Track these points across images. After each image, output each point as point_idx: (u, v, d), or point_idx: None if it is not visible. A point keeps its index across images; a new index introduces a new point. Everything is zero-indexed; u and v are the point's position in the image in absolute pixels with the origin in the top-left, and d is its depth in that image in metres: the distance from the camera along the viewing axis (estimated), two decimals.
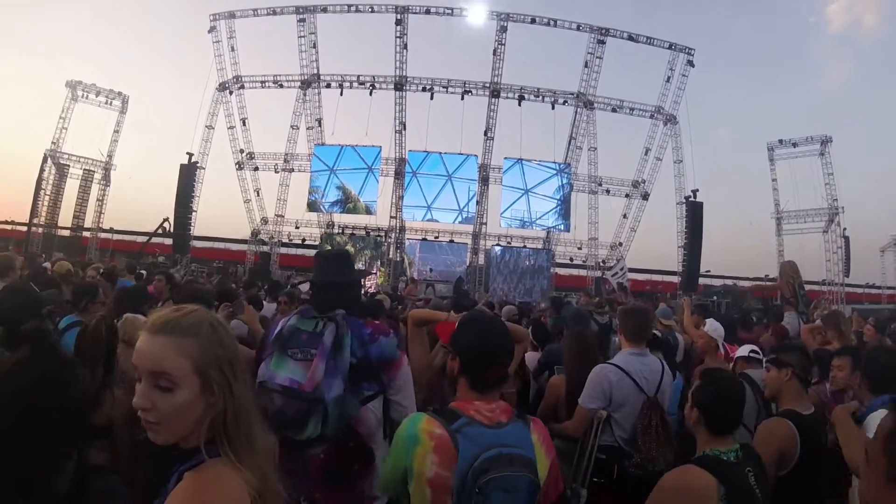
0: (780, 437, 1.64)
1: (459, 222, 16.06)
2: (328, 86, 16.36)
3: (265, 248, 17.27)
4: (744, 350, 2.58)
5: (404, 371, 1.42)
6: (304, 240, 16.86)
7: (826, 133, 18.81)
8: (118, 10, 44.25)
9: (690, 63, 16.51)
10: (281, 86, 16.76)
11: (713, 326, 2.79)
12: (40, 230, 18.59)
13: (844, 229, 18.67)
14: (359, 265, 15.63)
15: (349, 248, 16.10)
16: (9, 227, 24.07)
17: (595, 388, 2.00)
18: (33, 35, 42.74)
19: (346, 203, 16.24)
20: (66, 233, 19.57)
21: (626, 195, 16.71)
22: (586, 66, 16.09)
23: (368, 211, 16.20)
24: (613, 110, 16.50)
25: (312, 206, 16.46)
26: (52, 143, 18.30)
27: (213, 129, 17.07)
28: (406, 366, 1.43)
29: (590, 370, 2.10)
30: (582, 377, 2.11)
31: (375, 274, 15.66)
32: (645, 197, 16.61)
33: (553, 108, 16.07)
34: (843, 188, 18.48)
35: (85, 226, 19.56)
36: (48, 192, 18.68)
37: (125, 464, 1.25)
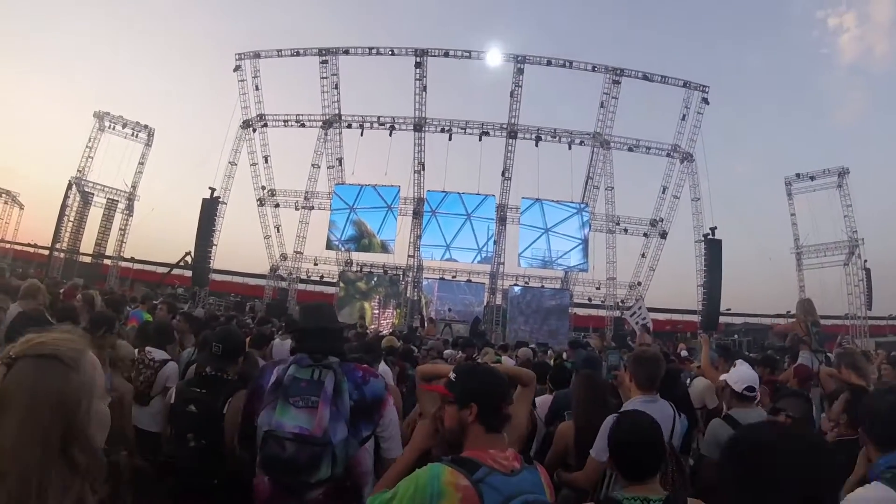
0: None
1: (478, 262, 16.16)
2: (349, 126, 16.74)
3: (283, 284, 17.47)
4: (737, 383, 2.31)
5: (391, 409, 1.53)
6: (322, 277, 17.06)
7: (843, 165, 18.71)
8: (147, 45, 46.18)
9: (705, 100, 16.62)
10: (303, 125, 17.17)
11: (739, 374, 2.38)
12: (62, 255, 18.97)
13: (865, 261, 18.39)
14: (373, 303, 15.65)
15: (361, 284, 16.24)
16: (31, 249, 24.62)
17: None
18: (63, 64, 44.53)
19: (361, 240, 16.41)
20: (88, 259, 19.93)
21: (644, 234, 16.70)
22: (602, 105, 16.29)
23: (384, 248, 16.36)
24: (630, 149, 16.62)
25: (331, 244, 16.67)
26: (78, 171, 18.80)
27: (236, 165, 17.49)
28: (391, 405, 1.53)
29: (600, 416, 2.03)
30: (592, 423, 2.04)
31: (389, 313, 15.68)
32: (663, 235, 16.57)
33: (570, 148, 16.24)
34: (863, 219, 18.27)
35: (106, 253, 19.93)
36: (72, 219, 19.13)
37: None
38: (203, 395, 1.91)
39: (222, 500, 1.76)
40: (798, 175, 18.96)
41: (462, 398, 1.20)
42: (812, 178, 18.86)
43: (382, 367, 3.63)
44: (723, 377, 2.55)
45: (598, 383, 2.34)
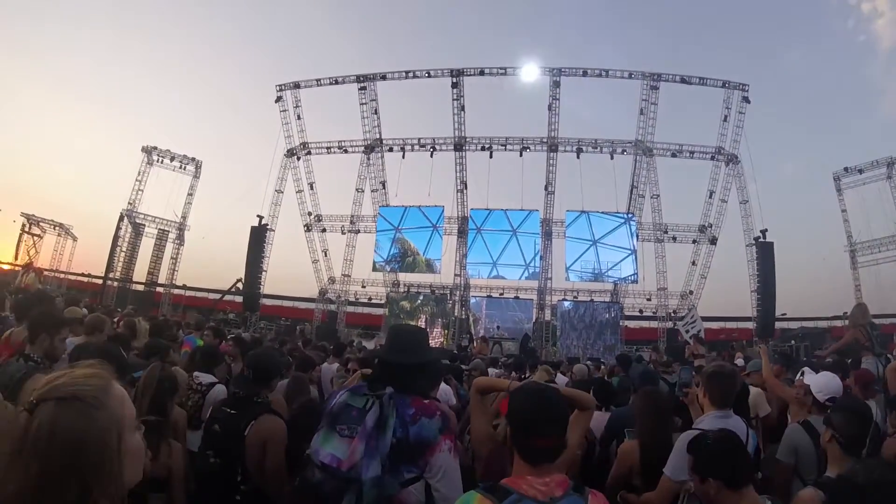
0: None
1: (526, 278, 16.18)
2: (391, 149, 17.13)
3: (332, 307, 17.94)
4: (821, 393, 2.23)
5: (443, 456, 1.35)
6: (370, 298, 17.44)
7: (892, 155, 17.97)
8: (192, 78, 48.16)
9: (746, 99, 16.27)
10: (346, 151, 17.66)
11: (826, 384, 2.26)
12: (115, 284, 19.96)
13: None
14: (420, 322, 15.53)
15: (405, 303, 16.41)
16: (85, 279, 25.92)
17: (686, 457, 1.80)
18: (113, 99, 46.83)
19: (405, 258, 16.64)
20: (140, 287, 20.90)
21: (694, 241, 16.42)
22: (642, 112, 16.16)
23: (430, 267, 16.55)
24: (673, 155, 16.40)
25: (376, 266, 17.05)
26: (129, 203, 19.79)
27: (283, 192, 18.10)
28: (447, 451, 1.37)
29: (665, 433, 1.99)
30: (658, 441, 1.99)
31: (436, 332, 15.75)
32: (713, 241, 16.27)
33: (612, 157, 16.16)
34: None
35: (158, 281, 20.85)
36: (124, 249, 20.12)
37: None
38: (229, 416, 1.95)
39: None
40: (846, 169, 18.33)
41: (507, 418, 1.19)
42: (861, 172, 18.20)
43: (443, 388, 3.45)
44: (806, 381, 2.43)
45: (662, 400, 2.26)
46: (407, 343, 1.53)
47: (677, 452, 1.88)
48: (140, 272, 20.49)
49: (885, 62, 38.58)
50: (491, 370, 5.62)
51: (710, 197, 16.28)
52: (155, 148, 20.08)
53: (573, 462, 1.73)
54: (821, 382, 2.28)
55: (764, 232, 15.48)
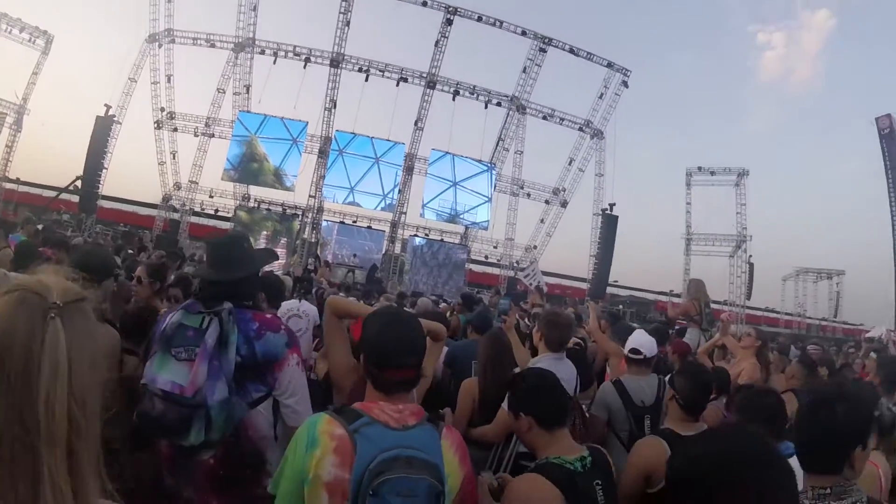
0: (647, 456, 1.66)
1: (382, 208, 16.03)
2: (262, 52, 15.83)
3: (175, 216, 16.47)
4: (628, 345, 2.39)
5: (291, 371, 1.32)
6: (217, 210, 16.22)
7: (744, 167, 20.42)
8: None
9: (625, 83, 17.35)
10: (213, 45, 16.01)
11: (640, 341, 2.40)
12: None
13: (750, 256, 20.32)
14: (261, 242, 14.84)
15: (243, 215, 15.32)
16: None
17: None
18: None
19: (251, 163, 15.23)
20: None
21: (546, 201, 17.36)
22: (524, 71, 16.55)
23: (278, 178, 15.43)
24: (544, 118, 17.07)
25: (227, 174, 15.83)
26: None
27: (136, 82, 16.06)
28: (294, 365, 1.33)
29: (504, 373, 2.05)
30: (497, 381, 2.05)
31: (281, 253, 15.18)
32: (563, 205, 17.32)
33: (486, 107, 16.40)
34: (753, 217, 20.01)
35: None
36: None
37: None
38: None
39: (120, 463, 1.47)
40: (700, 168, 20.44)
41: (360, 346, 1.13)
42: (712, 174, 20.35)
43: (307, 306, 3.33)
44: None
45: (503, 343, 2.34)
46: (226, 257, 1.40)
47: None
48: None
49: (761, 89, 44.30)
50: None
51: (570, 164, 17.27)
52: (5, 14, 16.82)
53: (424, 392, 1.62)
54: (644, 341, 2.40)
55: (612, 205, 16.80)
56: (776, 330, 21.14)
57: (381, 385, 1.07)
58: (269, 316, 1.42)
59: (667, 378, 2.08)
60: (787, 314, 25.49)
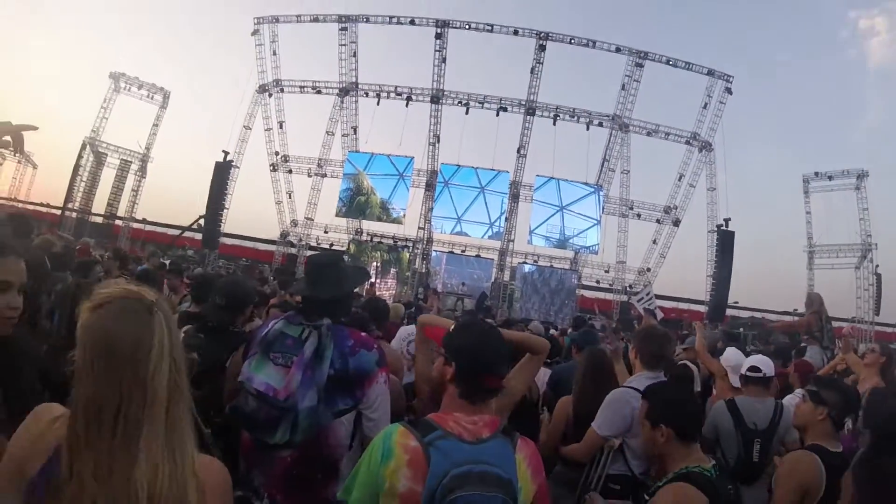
0: (805, 471, 1.56)
1: (489, 237, 16.05)
2: (366, 95, 16.62)
3: (293, 250, 17.53)
4: (740, 365, 2.35)
5: (379, 387, 1.38)
6: (332, 244, 17.05)
7: (863, 167, 18.41)
8: (165, 5, 45.69)
9: (728, 90, 16.32)
10: (319, 92, 17.06)
11: (728, 356, 2.60)
12: (74, 215, 19.16)
13: (877, 266, 18.19)
14: (370, 269, 15.12)
15: (375, 255, 16.09)
16: (43, 209, 24.83)
17: (615, 414, 1.87)
18: (80, 22, 44.30)
19: (357, 197, 15.85)
20: (100, 220, 20.12)
21: (657, 220, 16.54)
22: (623, 88, 16.04)
23: (385, 210, 15.89)
24: (648, 134, 16.39)
25: (340, 211, 16.64)
26: (93, 131, 18.88)
27: (251, 129, 17.47)
28: (382, 383, 1.39)
29: (603, 393, 2.00)
30: (593, 399, 2.01)
31: (391, 283, 15.55)
32: (676, 223, 16.42)
33: (588, 129, 16.03)
34: (878, 224, 18.01)
35: (118, 214, 20.09)
36: (84, 179, 19.27)
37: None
38: (207, 345, 1.80)
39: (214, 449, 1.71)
40: (816, 174, 18.67)
41: (448, 352, 1.13)
42: (830, 178, 18.57)
43: (409, 329, 3.41)
44: (723, 358, 2.64)
45: (604, 359, 2.28)
46: (323, 276, 1.49)
47: (606, 408, 1.91)
48: (100, 204, 19.69)
49: (871, 79, 39.74)
50: None
51: (679, 180, 16.39)
52: (123, 75, 19.08)
53: (512, 405, 1.67)
54: (762, 361, 2.31)
55: (727, 220, 15.70)
56: None
57: (472, 392, 1.07)
58: (363, 335, 1.48)
59: (802, 393, 1.88)
60: None
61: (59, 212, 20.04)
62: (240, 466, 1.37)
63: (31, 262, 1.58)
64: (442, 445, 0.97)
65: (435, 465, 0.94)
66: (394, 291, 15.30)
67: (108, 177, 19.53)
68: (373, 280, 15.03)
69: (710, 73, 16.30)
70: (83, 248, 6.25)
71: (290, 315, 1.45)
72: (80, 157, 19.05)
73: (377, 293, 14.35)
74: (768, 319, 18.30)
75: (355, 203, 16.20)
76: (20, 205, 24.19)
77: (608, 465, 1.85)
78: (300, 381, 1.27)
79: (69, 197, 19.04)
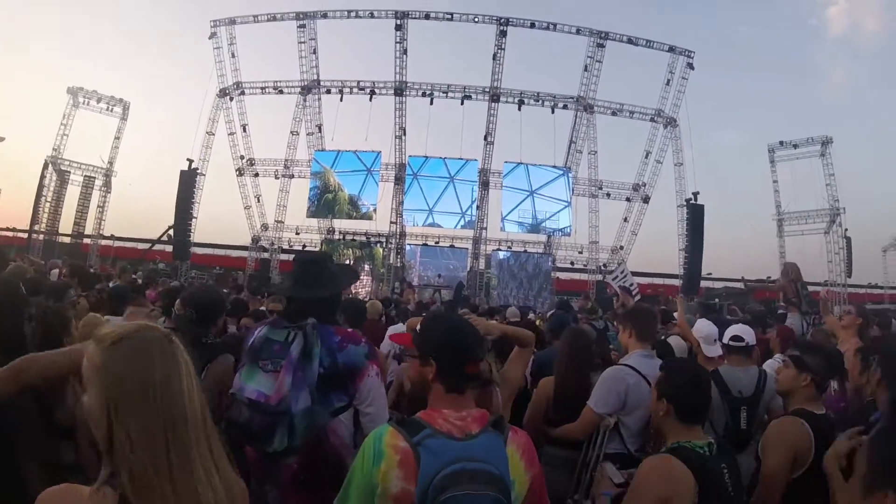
0: (794, 437, 1.56)
1: (462, 226, 16.02)
2: (328, 91, 16.40)
3: (265, 255, 17.27)
4: (712, 335, 2.43)
5: (371, 381, 1.37)
6: (304, 246, 16.81)
7: (827, 134, 18.83)
8: (118, 15, 44.49)
9: (690, 66, 16.53)
10: (281, 92, 16.79)
11: (699, 327, 2.65)
12: (41, 237, 18.60)
13: (846, 230, 18.68)
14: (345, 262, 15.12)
15: (348, 252, 15.95)
16: (10, 233, 24.05)
17: (610, 391, 1.87)
18: (33, 38, 42.87)
19: (324, 194, 15.73)
20: (67, 240, 19.58)
21: (627, 199, 16.69)
22: (586, 69, 16.12)
23: (355, 206, 15.75)
24: (613, 114, 16.51)
25: (310, 212, 16.42)
26: (54, 149, 18.34)
27: (214, 135, 17.10)
28: (374, 376, 1.38)
29: (583, 373, 2.01)
30: (575, 379, 2.02)
31: (366, 280, 15.44)
32: (646, 200, 16.59)
33: (553, 112, 16.08)
34: (845, 189, 18.47)
35: (86, 232, 19.56)
36: (49, 199, 18.71)
37: (89, 463, 1.23)
38: None
39: None
40: (781, 143, 19.04)
41: (423, 352, 1.11)
42: (795, 147, 18.96)
43: (398, 327, 3.49)
44: (694, 329, 2.67)
45: (585, 339, 2.28)
46: (312, 275, 1.47)
47: (601, 386, 1.90)
48: (66, 223, 19.13)
49: (830, 47, 40.81)
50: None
51: (646, 157, 16.57)
52: (81, 89, 18.55)
53: (512, 397, 1.65)
54: (743, 330, 2.30)
55: (696, 194, 15.92)
56: (882, 307, 19.15)
57: (456, 382, 1.06)
58: (349, 330, 1.48)
59: (782, 359, 1.89)
60: (891, 288, 23.11)
61: (25, 235, 19.45)
62: (251, 484, 1.32)
63: (6, 292, 1.58)
64: (431, 444, 0.97)
65: (425, 464, 0.94)
66: (369, 289, 15.14)
67: (72, 194, 19.01)
68: None
69: (671, 49, 16.48)
70: (58, 269, 5.95)
71: (274, 320, 1.46)
72: (42, 177, 18.49)
73: (353, 292, 14.27)
74: (748, 280, 18.68)
75: (323, 201, 16.02)
76: None
77: (605, 443, 1.83)
78: (291, 383, 1.25)
79: (35, 219, 18.48)
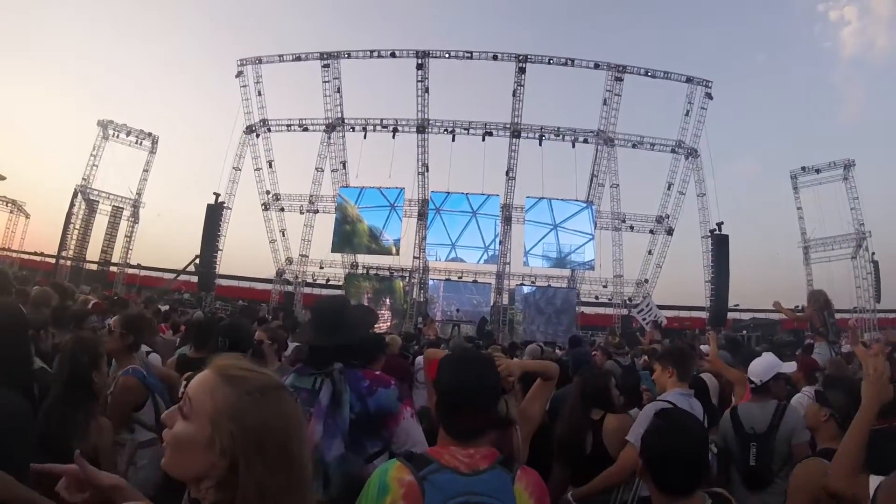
0: (815, 482, 1.47)
1: (485, 261, 16.06)
2: (352, 129, 16.77)
3: (289, 288, 17.50)
4: (757, 376, 2.23)
5: (406, 424, 1.33)
6: (328, 280, 17.04)
7: (849, 157, 18.59)
8: (149, 52, 46.45)
9: (709, 95, 16.56)
10: (306, 129, 17.21)
11: (752, 367, 2.38)
12: (68, 263, 19.10)
13: (873, 254, 18.27)
14: (363, 301, 15.01)
15: (366, 285, 16.00)
16: (37, 258, 24.75)
17: None
18: (67, 71, 44.88)
19: (343, 225, 15.83)
20: (94, 267, 20.06)
21: (651, 231, 16.62)
22: (605, 103, 16.25)
23: (374, 238, 15.87)
24: (634, 146, 16.56)
25: (335, 247, 16.65)
26: (83, 178, 18.93)
27: (240, 170, 17.53)
28: (409, 418, 1.35)
29: (580, 415, 1.97)
30: (571, 420, 1.99)
31: (387, 314, 15.46)
32: (669, 232, 16.50)
33: (573, 146, 16.20)
34: (870, 212, 18.13)
35: (112, 260, 20.04)
36: (77, 227, 19.26)
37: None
38: None
39: None
40: (804, 168, 18.85)
41: (436, 387, 1.12)
42: (818, 172, 18.74)
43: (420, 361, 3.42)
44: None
45: (590, 384, 2.19)
46: (331, 321, 1.44)
47: (640, 424, 1.83)
48: (94, 251, 19.66)
49: (847, 69, 40.40)
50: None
51: (669, 189, 16.52)
52: (111, 122, 19.21)
53: (531, 433, 1.62)
54: (757, 367, 2.26)
55: (720, 225, 15.81)
56: None
57: (454, 430, 1.04)
58: (378, 373, 1.44)
59: (808, 393, 1.83)
60: None
61: (53, 260, 20.01)
62: None
63: (7, 322, 1.48)
64: (436, 479, 0.96)
65: (430, 498, 0.93)
66: (389, 323, 15.18)
67: (101, 223, 19.55)
68: None
69: (689, 80, 16.55)
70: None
71: (299, 367, 1.43)
72: (72, 205, 19.07)
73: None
74: (771, 319, 18.28)
75: (342, 233, 16.19)
76: (14, 255, 24.17)
77: (640, 485, 1.72)
78: (322, 432, 1.22)
79: (63, 245, 19.00)
